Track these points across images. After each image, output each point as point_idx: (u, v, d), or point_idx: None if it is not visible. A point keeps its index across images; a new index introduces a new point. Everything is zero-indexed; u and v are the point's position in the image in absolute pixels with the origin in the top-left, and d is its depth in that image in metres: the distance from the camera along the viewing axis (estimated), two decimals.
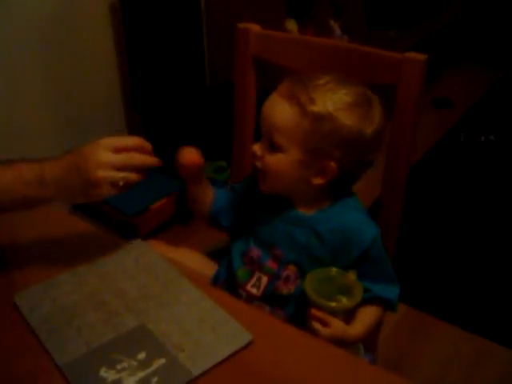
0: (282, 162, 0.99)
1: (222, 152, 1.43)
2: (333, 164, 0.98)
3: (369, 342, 1.15)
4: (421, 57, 1.01)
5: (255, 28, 1.20)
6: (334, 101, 0.96)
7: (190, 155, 1.06)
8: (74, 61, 2.33)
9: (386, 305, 1.07)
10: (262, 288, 1.09)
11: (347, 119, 0.96)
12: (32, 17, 2.11)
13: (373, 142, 1.00)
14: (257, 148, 1.03)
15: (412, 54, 1.02)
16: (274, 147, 0.99)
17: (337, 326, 0.95)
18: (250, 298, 1.10)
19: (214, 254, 1.29)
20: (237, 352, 0.80)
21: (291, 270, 1.07)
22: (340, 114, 0.96)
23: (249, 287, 1.10)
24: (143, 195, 2.36)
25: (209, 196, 1.17)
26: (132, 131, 2.67)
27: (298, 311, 1.05)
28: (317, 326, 0.95)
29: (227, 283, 1.15)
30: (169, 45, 2.45)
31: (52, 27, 2.19)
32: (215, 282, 1.19)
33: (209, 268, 1.23)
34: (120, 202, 2.30)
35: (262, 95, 1.05)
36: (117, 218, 2.31)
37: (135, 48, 2.41)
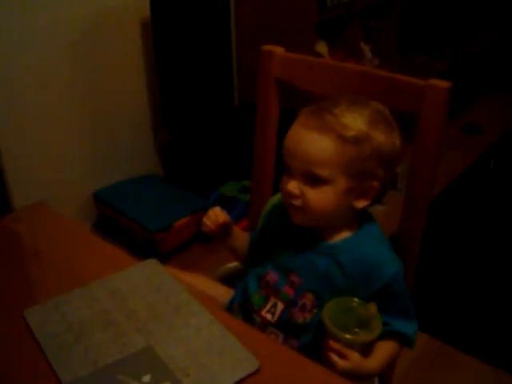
0: (328, 194, 0.98)
1: (246, 172, 1.43)
2: (375, 183, 0.99)
3: (384, 376, 1.12)
4: (444, 84, 0.98)
5: (279, 50, 1.19)
6: (364, 121, 0.97)
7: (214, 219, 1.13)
8: (104, 76, 2.36)
9: (404, 340, 1.05)
10: (277, 314, 1.07)
11: (381, 136, 0.97)
12: (62, 30, 2.15)
13: (401, 153, 1.02)
14: (293, 187, 1.00)
15: (436, 81, 0.99)
16: (316, 181, 0.97)
17: (354, 359, 0.93)
18: (264, 324, 1.07)
19: (225, 279, 1.28)
20: (243, 379, 0.79)
21: (308, 299, 1.04)
22: (374, 132, 0.97)
23: (264, 313, 1.08)
24: (167, 212, 2.37)
25: (243, 243, 1.19)
26: (160, 148, 2.69)
27: (313, 341, 1.03)
28: (334, 357, 0.93)
29: (243, 308, 1.13)
30: (198, 63, 2.47)
31: (83, 41, 2.23)
32: (230, 306, 1.17)
33: (221, 293, 1.22)
34: (143, 218, 2.31)
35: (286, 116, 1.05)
36: (139, 233, 2.31)
37: (165, 65, 2.43)
